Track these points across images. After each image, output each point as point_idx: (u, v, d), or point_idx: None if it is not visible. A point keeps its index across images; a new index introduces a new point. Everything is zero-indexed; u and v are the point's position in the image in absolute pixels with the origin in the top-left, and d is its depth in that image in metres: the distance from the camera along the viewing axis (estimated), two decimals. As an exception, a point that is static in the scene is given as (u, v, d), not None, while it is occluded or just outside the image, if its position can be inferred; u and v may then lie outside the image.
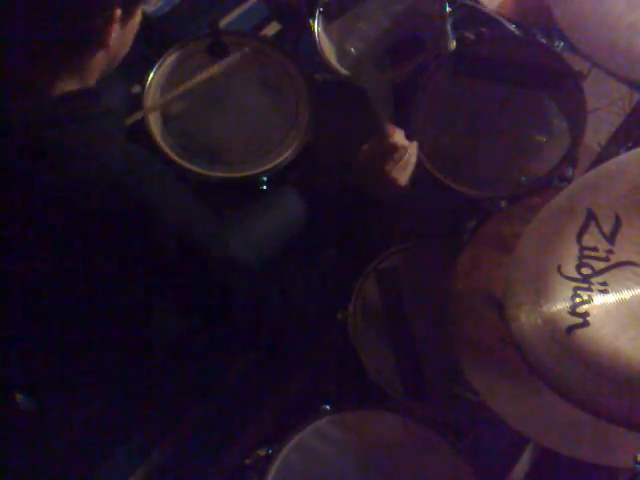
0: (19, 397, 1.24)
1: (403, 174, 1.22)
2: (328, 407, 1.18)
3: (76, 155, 0.86)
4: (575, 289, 0.85)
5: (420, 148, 1.29)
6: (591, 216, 0.87)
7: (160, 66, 1.40)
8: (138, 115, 1.31)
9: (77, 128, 0.88)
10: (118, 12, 0.86)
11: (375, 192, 1.22)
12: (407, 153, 1.22)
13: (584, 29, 1.23)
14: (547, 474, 1.32)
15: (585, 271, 0.85)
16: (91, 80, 0.94)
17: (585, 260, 0.86)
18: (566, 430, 1.01)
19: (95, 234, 0.88)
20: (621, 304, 0.83)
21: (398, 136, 1.23)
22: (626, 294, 0.83)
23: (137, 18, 0.95)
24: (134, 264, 0.92)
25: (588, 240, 0.87)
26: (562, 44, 1.41)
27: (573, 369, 0.81)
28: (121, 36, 0.92)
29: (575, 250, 0.87)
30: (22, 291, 0.96)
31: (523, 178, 1.27)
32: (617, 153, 1.49)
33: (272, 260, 1.12)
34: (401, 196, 1.24)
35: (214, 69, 1.37)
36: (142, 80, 1.37)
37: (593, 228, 0.87)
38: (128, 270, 0.92)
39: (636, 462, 0.95)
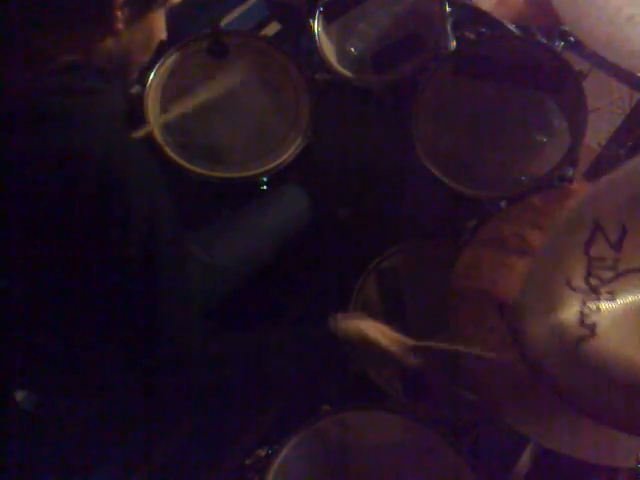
0: (19, 397, 1.24)
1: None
2: (328, 407, 1.18)
3: (76, 125, 0.87)
4: (584, 300, 0.85)
5: (420, 148, 1.29)
6: (597, 227, 0.87)
7: (160, 66, 1.40)
8: (143, 131, 1.31)
9: (78, 99, 0.88)
10: None
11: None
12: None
13: (582, 22, 1.22)
14: (547, 474, 1.32)
15: (593, 282, 0.85)
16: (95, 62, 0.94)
17: (593, 270, 0.86)
18: (566, 430, 1.01)
19: (69, 213, 0.87)
20: (629, 312, 0.83)
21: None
22: (633, 301, 0.83)
23: (153, 26, 0.95)
24: (108, 249, 0.90)
25: (596, 251, 0.86)
26: (562, 44, 1.41)
27: (584, 380, 0.81)
28: (131, 34, 0.92)
29: (583, 261, 0.86)
30: (21, 287, 0.96)
31: (523, 178, 1.27)
32: (617, 153, 1.50)
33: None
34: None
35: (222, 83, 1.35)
36: (142, 80, 1.37)
37: (600, 238, 0.86)
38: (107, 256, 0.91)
39: (639, 462, 0.95)
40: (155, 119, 1.34)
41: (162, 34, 0.99)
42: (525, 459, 1.32)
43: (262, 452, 1.17)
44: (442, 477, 1.12)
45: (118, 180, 0.88)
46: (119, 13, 0.88)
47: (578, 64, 1.27)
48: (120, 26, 0.89)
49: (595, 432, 0.99)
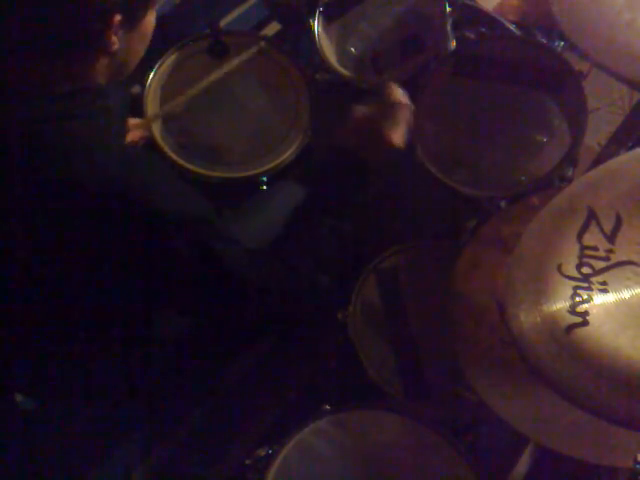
0: (19, 397, 1.24)
1: (400, 133, 1.22)
2: (328, 407, 1.18)
3: (75, 151, 0.86)
4: (575, 288, 0.85)
5: (420, 148, 1.29)
6: (592, 215, 0.87)
7: (160, 66, 1.40)
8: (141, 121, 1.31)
9: (77, 124, 0.88)
10: (117, 17, 0.85)
11: (370, 153, 1.21)
12: (406, 110, 1.23)
13: (583, 27, 1.23)
14: (547, 474, 1.32)
15: (585, 270, 0.85)
16: (95, 83, 0.94)
17: (585, 259, 0.86)
18: (566, 430, 1.01)
19: (95, 232, 0.88)
20: (621, 303, 0.83)
21: (399, 92, 1.24)
22: (626, 293, 0.83)
23: (147, 27, 0.95)
24: (138, 263, 0.91)
25: (589, 239, 0.86)
26: (562, 44, 1.41)
27: (572, 368, 0.81)
28: (128, 43, 0.92)
29: (575, 249, 0.87)
30: (22, 289, 0.96)
31: (523, 178, 1.27)
32: (617, 153, 1.49)
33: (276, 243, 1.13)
34: (395, 159, 1.24)
35: (218, 73, 1.35)
36: (142, 80, 1.38)
37: (594, 227, 0.87)
38: (131, 269, 0.92)
39: (636, 462, 0.95)
40: (153, 112, 1.34)
41: (153, 25, 0.98)
42: (525, 459, 1.32)
43: (262, 452, 1.17)
44: (442, 477, 1.12)
45: (140, 194, 0.88)
46: (114, 37, 0.87)
47: (578, 64, 1.27)
48: (116, 47, 0.89)
49: (595, 432, 0.99)
